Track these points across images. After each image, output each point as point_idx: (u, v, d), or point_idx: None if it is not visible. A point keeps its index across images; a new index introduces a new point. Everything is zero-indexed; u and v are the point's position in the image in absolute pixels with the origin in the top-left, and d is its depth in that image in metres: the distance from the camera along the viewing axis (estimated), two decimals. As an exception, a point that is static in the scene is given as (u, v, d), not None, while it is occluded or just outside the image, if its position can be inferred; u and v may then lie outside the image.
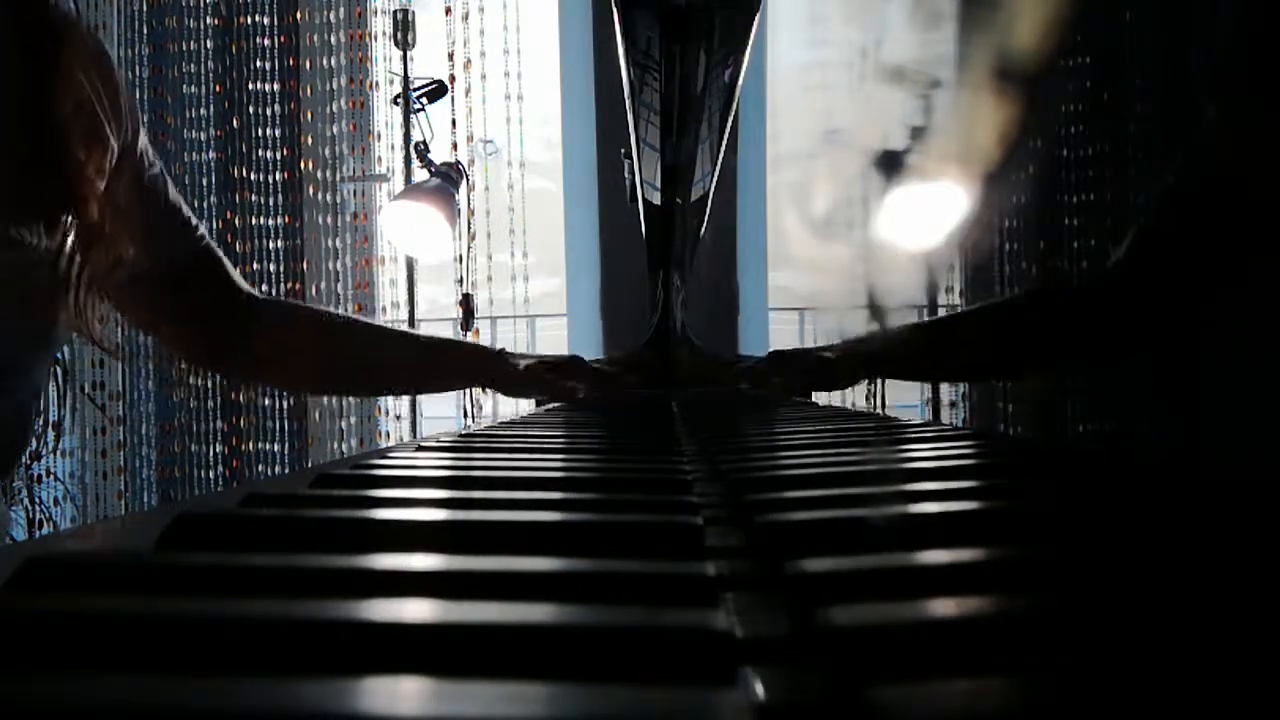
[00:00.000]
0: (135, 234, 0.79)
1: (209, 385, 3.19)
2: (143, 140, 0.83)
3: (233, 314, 0.95)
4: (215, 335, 0.95)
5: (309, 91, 3.21)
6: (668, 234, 1.46)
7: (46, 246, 0.70)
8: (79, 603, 0.19)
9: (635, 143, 1.27)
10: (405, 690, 0.15)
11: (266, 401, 3.17)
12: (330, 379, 1.11)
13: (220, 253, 0.94)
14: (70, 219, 0.71)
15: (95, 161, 0.73)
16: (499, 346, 1.11)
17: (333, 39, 3.20)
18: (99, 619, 0.17)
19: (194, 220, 0.90)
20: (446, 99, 2.99)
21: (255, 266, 3.19)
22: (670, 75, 1.00)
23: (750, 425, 0.83)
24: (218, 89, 3.24)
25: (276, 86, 3.22)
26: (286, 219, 3.21)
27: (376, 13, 3.21)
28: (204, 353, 0.99)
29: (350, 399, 3.11)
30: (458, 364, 1.09)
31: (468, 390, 3.02)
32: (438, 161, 2.80)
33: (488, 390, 1.29)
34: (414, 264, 2.92)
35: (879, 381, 0.82)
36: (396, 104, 2.89)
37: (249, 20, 3.22)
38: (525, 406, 1.22)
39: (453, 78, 3.15)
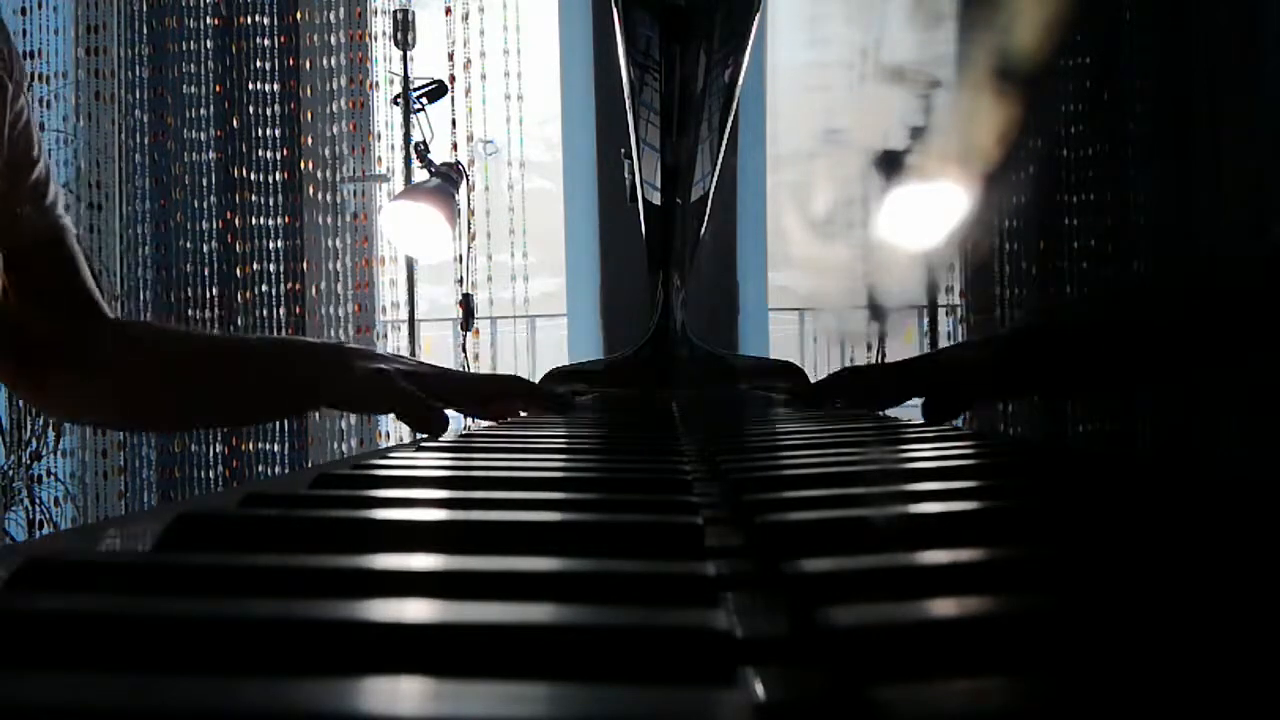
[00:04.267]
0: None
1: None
2: (23, 101, 0.74)
3: (73, 317, 0.80)
4: (48, 340, 0.80)
5: (309, 91, 3.21)
6: (668, 234, 1.46)
7: None
8: (78, 603, 0.19)
9: (635, 143, 1.27)
10: (405, 690, 0.15)
11: (266, 401, 3.16)
12: (174, 411, 0.90)
13: (76, 250, 0.81)
14: None
15: None
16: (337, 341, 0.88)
17: (333, 39, 3.20)
18: (98, 619, 0.17)
19: (55, 204, 0.79)
20: (446, 99, 2.99)
21: (255, 266, 3.19)
22: (670, 75, 1.00)
23: (750, 425, 0.83)
24: (218, 89, 3.24)
25: (276, 86, 3.22)
26: (286, 219, 3.21)
27: (376, 13, 3.22)
28: (32, 365, 0.81)
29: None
30: (287, 374, 0.85)
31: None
32: (438, 161, 2.80)
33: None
34: (414, 264, 2.92)
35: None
36: (396, 104, 2.90)
37: (249, 20, 3.22)
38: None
39: (453, 78, 3.15)
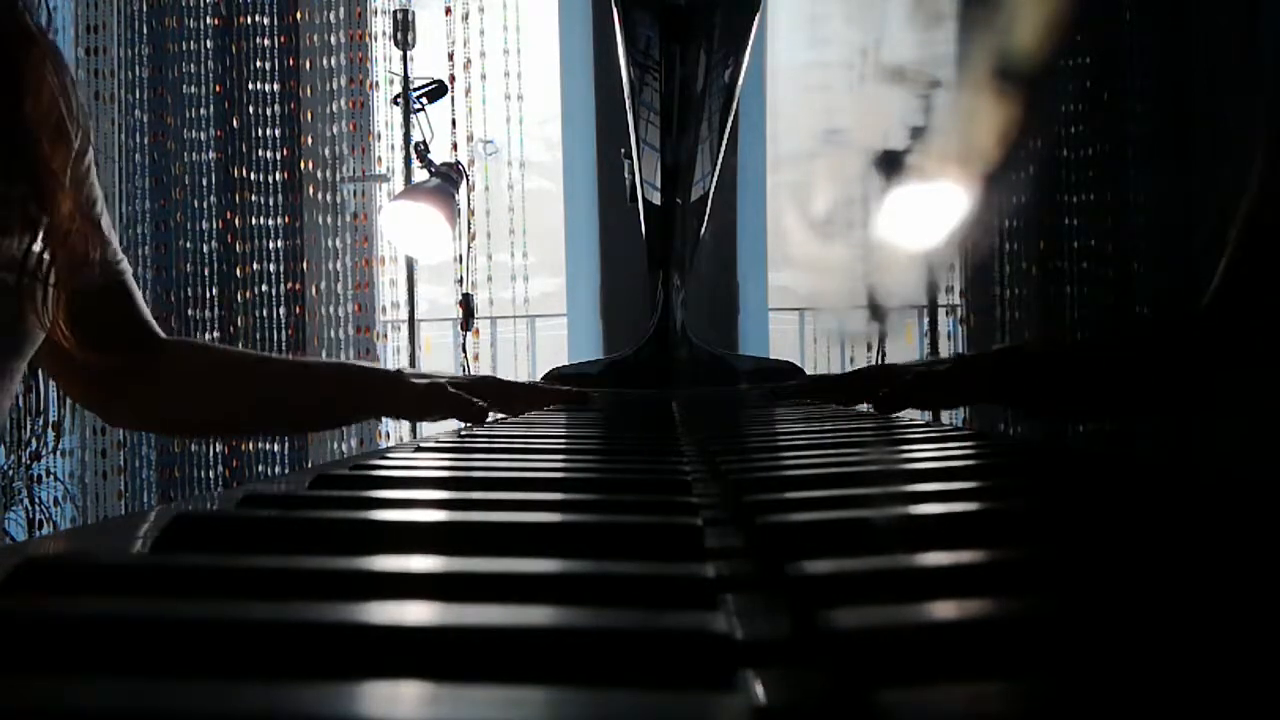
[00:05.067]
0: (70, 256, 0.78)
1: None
2: (90, 155, 0.82)
3: (136, 347, 0.91)
4: (114, 368, 0.90)
5: (309, 91, 3.21)
6: (668, 234, 1.46)
7: (19, 246, 0.70)
8: (75, 605, 0.19)
9: (635, 143, 1.27)
10: (403, 694, 0.14)
11: (266, 402, 3.16)
12: (234, 420, 1.06)
13: (134, 286, 0.91)
14: (42, 219, 0.72)
15: (61, 161, 0.74)
16: (396, 367, 1.07)
17: (333, 39, 3.20)
18: (94, 621, 0.17)
19: (115, 247, 0.88)
20: (446, 99, 2.99)
21: (255, 266, 3.19)
22: (670, 75, 1.00)
23: (750, 425, 0.83)
24: (218, 89, 3.24)
25: (276, 86, 3.22)
26: (286, 219, 3.21)
27: (376, 13, 3.22)
28: (97, 387, 0.93)
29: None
30: (359, 398, 1.03)
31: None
32: (438, 161, 2.80)
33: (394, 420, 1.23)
34: (414, 264, 2.92)
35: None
36: (396, 104, 2.89)
37: (249, 20, 3.23)
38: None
39: (453, 78, 3.15)
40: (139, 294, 0.92)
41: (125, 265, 0.90)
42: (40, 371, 2.86)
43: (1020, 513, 0.28)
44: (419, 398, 0.97)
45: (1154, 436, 0.29)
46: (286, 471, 3.20)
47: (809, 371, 1.07)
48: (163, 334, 0.94)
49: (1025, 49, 0.36)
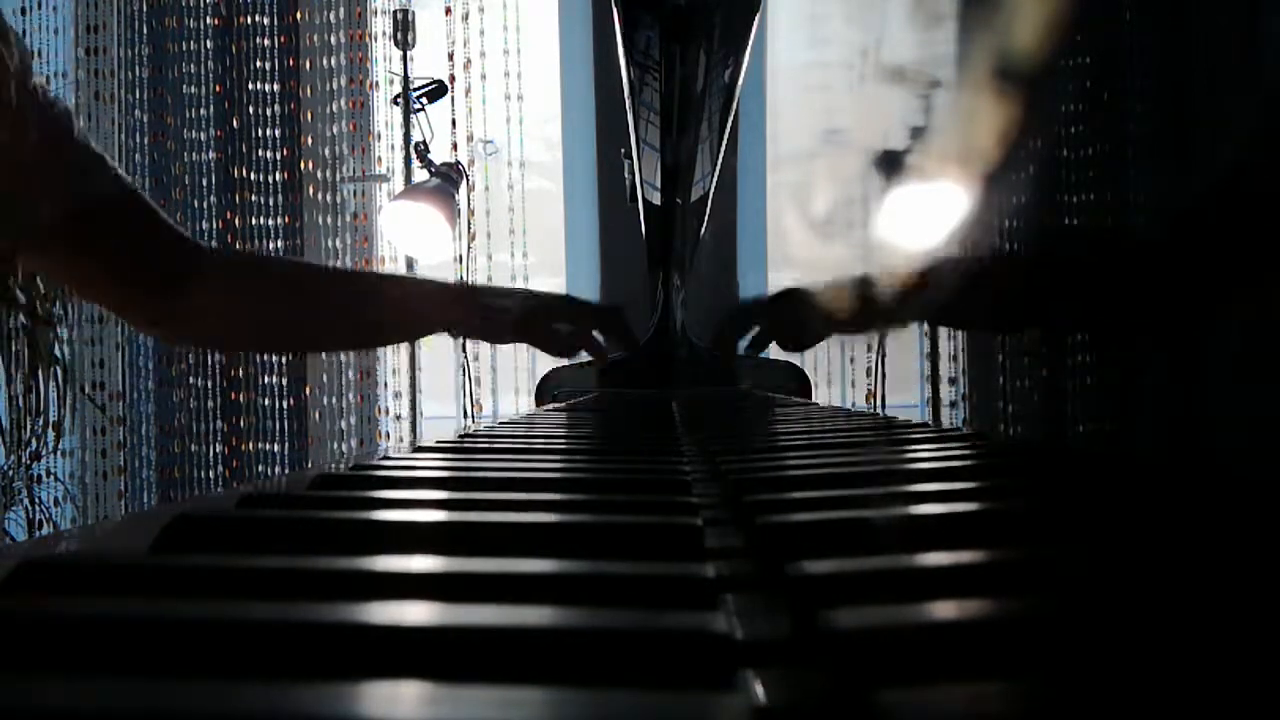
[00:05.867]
0: (40, 177, 0.76)
1: (209, 385, 3.19)
2: (36, 79, 0.77)
3: (169, 260, 0.87)
4: (151, 286, 0.87)
5: (309, 91, 3.21)
6: (668, 234, 1.47)
7: None
8: (75, 605, 0.19)
9: (635, 143, 1.27)
10: (402, 694, 0.14)
11: (266, 402, 3.17)
12: (281, 332, 1.04)
13: (147, 199, 0.88)
14: None
15: None
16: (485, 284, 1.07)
17: (333, 39, 3.20)
18: (94, 621, 0.17)
19: (110, 162, 0.84)
20: (446, 99, 2.99)
21: (255, 267, 3.19)
22: (670, 75, 1.00)
23: (750, 425, 0.83)
24: (218, 89, 3.24)
25: (276, 86, 3.22)
26: (286, 219, 3.21)
27: (376, 13, 3.22)
28: (144, 309, 0.92)
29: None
30: (416, 301, 1.00)
31: (466, 389, 3.01)
32: (438, 161, 2.80)
33: (455, 335, 1.14)
34: (414, 264, 2.92)
35: (879, 380, 0.82)
36: (396, 104, 2.90)
37: (249, 20, 3.23)
38: (525, 406, 1.21)
39: (453, 78, 3.15)
40: (157, 208, 0.88)
41: (123, 177, 0.85)
42: (40, 371, 2.87)
43: (1020, 513, 0.28)
44: (470, 318, 0.98)
45: (1154, 436, 0.29)
46: (286, 471, 3.20)
47: (809, 373, 1.07)
48: (198, 243, 0.93)
49: (1025, 49, 0.36)
